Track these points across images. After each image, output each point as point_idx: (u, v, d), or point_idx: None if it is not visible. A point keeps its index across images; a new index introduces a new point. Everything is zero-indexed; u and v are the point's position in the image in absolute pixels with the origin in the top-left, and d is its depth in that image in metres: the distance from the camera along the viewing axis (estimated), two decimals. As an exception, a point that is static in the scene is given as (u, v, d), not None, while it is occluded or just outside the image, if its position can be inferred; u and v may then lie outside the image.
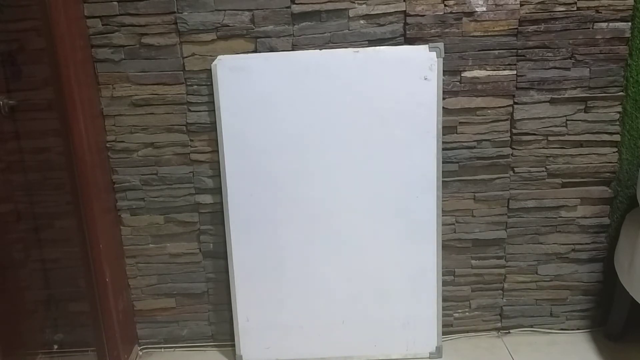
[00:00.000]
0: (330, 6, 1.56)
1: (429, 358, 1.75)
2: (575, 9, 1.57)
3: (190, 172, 1.70)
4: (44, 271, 1.75)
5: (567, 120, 1.66)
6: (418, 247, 1.68)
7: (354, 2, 1.57)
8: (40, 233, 1.73)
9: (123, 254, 1.77)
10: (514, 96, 1.64)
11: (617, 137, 1.67)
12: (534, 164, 1.70)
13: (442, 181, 1.65)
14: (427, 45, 1.57)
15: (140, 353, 1.86)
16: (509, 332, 1.86)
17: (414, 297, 1.71)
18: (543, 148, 1.69)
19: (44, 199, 1.70)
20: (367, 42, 1.59)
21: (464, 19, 1.58)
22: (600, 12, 1.58)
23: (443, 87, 1.60)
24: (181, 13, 1.56)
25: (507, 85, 1.63)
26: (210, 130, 1.66)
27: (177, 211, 1.73)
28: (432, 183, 1.64)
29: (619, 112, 1.66)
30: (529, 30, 1.59)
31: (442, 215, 1.68)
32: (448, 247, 1.76)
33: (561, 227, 1.76)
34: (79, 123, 1.51)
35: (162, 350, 1.86)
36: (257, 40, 1.59)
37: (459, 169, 1.70)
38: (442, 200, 1.68)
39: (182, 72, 1.62)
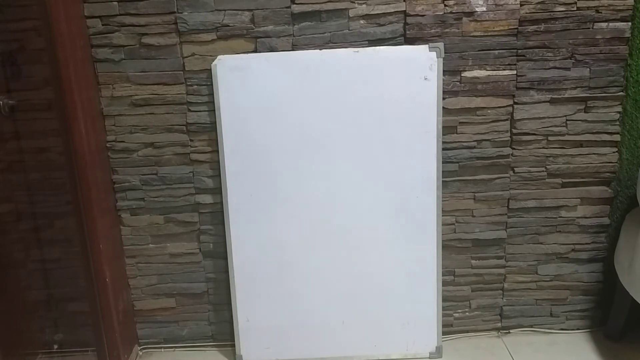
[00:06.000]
0: (330, 6, 1.56)
1: (429, 358, 1.75)
2: (575, 9, 1.57)
3: (190, 172, 1.70)
4: (44, 271, 1.75)
5: (567, 120, 1.66)
6: (418, 247, 1.68)
7: (354, 2, 1.57)
8: (40, 233, 1.73)
9: (123, 254, 1.77)
10: (514, 96, 1.64)
11: (617, 137, 1.67)
12: (534, 164, 1.70)
13: (442, 181, 1.65)
14: (427, 45, 1.57)
15: (140, 353, 1.86)
16: (509, 332, 1.86)
17: (414, 297, 1.71)
18: (543, 148, 1.69)
19: (44, 199, 1.70)
20: (367, 42, 1.59)
21: (464, 19, 1.58)
22: (600, 12, 1.58)
23: (443, 87, 1.60)
24: (181, 13, 1.56)
25: (507, 85, 1.63)
26: (210, 130, 1.66)
27: (177, 211, 1.73)
28: (432, 183, 1.64)
29: (619, 112, 1.66)
30: (529, 30, 1.59)
31: (442, 215, 1.68)
32: (448, 247, 1.76)
33: (561, 227, 1.76)
34: (79, 123, 1.51)
35: (162, 350, 1.86)
36: (257, 40, 1.59)
37: (459, 169, 1.70)
38: (442, 200, 1.68)
39: (182, 72, 1.62)
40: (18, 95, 1.58)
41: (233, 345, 1.78)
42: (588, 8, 1.57)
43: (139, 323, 1.84)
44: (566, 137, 1.68)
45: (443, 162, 1.65)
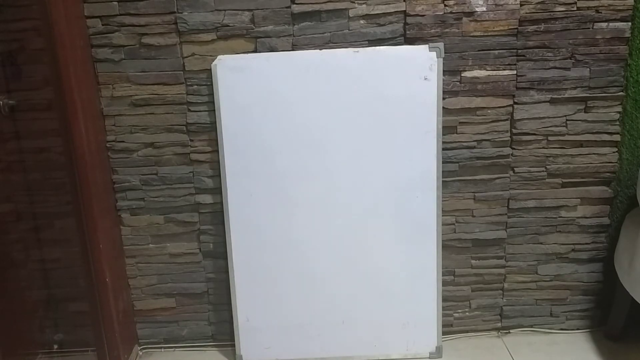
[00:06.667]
0: (330, 6, 1.56)
1: (429, 358, 1.75)
2: (575, 9, 1.57)
3: (190, 172, 1.70)
4: (44, 271, 1.75)
5: (567, 120, 1.66)
6: (418, 247, 1.68)
7: (354, 2, 1.57)
8: (40, 233, 1.73)
9: (123, 254, 1.77)
10: (514, 96, 1.64)
11: (617, 137, 1.67)
12: (534, 164, 1.70)
13: (442, 181, 1.65)
14: (427, 45, 1.57)
15: (140, 353, 1.86)
16: (509, 332, 1.86)
17: (414, 297, 1.71)
18: (543, 148, 1.69)
19: (44, 199, 1.70)
20: (367, 42, 1.59)
21: (464, 19, 1.58)
22: (600, 12, 1.58)
23: (443, 87, 1.60)
24: (181, 13, 1.56)
25: (507, 85, 1.63)
26: (210, 130, 1.66)
27: (177, 211, 1.73)
28: (432, 183, 1.64)
29: (619, 112, 1.66)
30: (529, 30, 1.59)
31: (442, 215, 1.68)
32: (448, 247, 1.76)
33: (561, 227, 1.76)
34: (79, 123, 1.51)
35: (162, 350, 1.86)
36: (257, 40, 1.59)
37: (459, 169, 1.70)
38: (442, 200, 1.68)
39: (182, 72, 1.62)
40: (18, 95, 1.58)
41: (233, 345, 1.78)
42: (588, 8, 1.57)
43: (139, 323, 1.84)
44: (566, 137, 1.68)
45: (443, 162, 1.65)
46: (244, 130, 1.61)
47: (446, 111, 1.64)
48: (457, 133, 1.67)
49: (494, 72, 1.62)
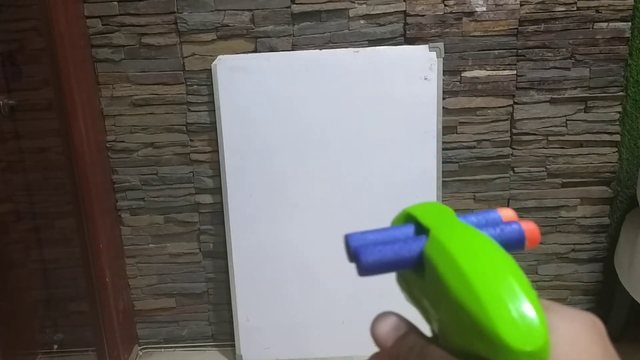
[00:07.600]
0: (330, 6, 1.56)
1: (429, 358, 1.75)
2: (575, 9, 1.57)
3: (190, 172, 1.70)
4: (44, 271, 1.75)
5: (567, 120, 1.66)
6: (418, 247, 1.68)
7: (354, 2, 1.57)
8: (40, 233, 1.73)
9: (123, 254, 1.77)
10: (514, 96, 1.64)
11: (617, 137, 1.67)
12: (534, 164, 1.70)
13: (442, 181, 1.65)
14: (427, 45, 1.57)
15: (140, 353, 1.86)
16: (509, 332, 1.86)
17: (414, 297, 1.71)
18: (543, 148, 1.69)
19: (44, 199, 1.70)
20: (367, 42, 1.59)
21: (464, 19, 1.58)
22: (600, 12, 1.58)
23: (443, 87, 1.60)
24: (181, 13, 1.56)
25: (507, 85, 1.63)
26: (210, 130, 1.66)
27: (177, 211, 1.73)
28: (432, 183, 1.64)
29: (619, 112, 1.66)
30: (529, 30, 1.59)
31: (442, 215, 1.68)
32: (448, 247, 1.75)
33: (561, 227, 1.76)
34: (79, 123, 1.51)
35: (162, 350, 1.86)
36: (257, 40, 1.59)
37: (459, 169, 1.70)
38: (442, 200, 1.68)
39: (182, 72, 1.62)
40: (18, 95, 1.58)
41: (233, 345, 1.78)
42: (588, 8, 1.57)
43: (139, 323, 1.84)
44: (566, 137, 1.68)
45: (443, 162, 1.65)
46: (244, 130, 1.61)
47: (446, 111, 1.64)
48: (457, 133, 1.67)
49: (494, 72, 1.62)
